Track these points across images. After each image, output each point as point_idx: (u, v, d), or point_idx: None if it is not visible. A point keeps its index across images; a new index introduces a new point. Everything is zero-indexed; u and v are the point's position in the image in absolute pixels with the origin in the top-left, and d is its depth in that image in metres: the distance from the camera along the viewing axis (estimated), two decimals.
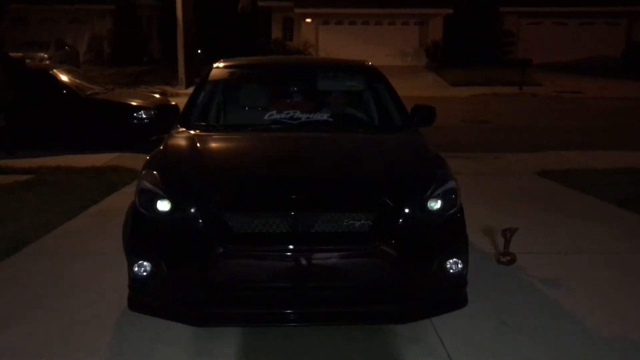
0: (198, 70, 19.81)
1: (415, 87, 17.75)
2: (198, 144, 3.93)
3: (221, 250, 3.15)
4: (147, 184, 3.45)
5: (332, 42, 26.92)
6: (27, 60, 18.83)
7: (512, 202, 6.42)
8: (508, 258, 4.49)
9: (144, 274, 3.32)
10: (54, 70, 10.17)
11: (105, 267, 4.48)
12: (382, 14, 27.50)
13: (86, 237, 5.25)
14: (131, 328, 3.55)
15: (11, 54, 10.12)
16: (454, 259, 3.36)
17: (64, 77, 10.00)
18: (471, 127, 12.36)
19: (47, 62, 20.30)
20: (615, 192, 6.65)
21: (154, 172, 3.55)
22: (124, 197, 6.33)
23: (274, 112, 4.52)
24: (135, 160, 8.31)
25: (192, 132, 4.22)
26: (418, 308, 3.30)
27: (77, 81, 10.29)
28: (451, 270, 3.36)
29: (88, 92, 10.02)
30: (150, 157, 3.94)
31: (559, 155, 9.01)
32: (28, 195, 6.59)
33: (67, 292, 4.11)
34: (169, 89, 17.59)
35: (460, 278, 3.41)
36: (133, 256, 3.36)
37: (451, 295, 3.44)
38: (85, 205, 6.18)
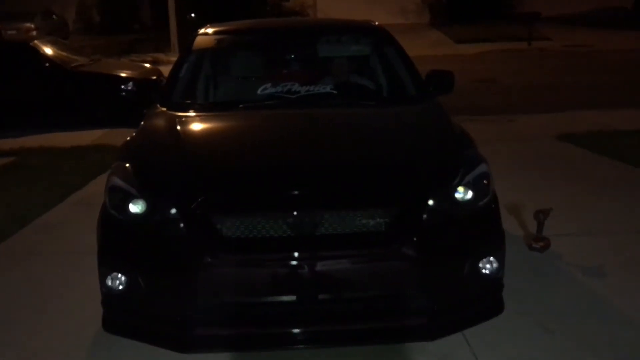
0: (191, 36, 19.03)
1: (418, 46, 16.86)
2: (179, 128, 3.33)
3: (209, 259, 2.59)
4: (117, 180, 2.88)
5: (330, 1, 25.88)
6: (13, 32, 18.08)
7: (534, 172, 5.83)
8: (542, 244, 3.93)
9: (119, 288, 2.77)
10: (35, 42, 9.52)
11: (85, 269, 3.94)
12: None
13: (66, 231, 4.73)
14: (112, 347, 3.03)
15: None
16: (489, 258, 2.80)
17: (46, 50, 9.35)
18: (480, 87, 11.66)
19: (34, 33, 19.47)
20: None
21: (126, 165, 2.98)
22: None
23: (269, 85, 3.87)
24: (126, 137, 7.69)
25: (173, 112, 3.61)
26: (448, 320, 2.74)
27: (61, 53, 9.63)
28: (485, 272, 2.80)
29: (73, 65, 9.37)
30: (123, 145, 3.37)
31: (577, 116, 8.37)
32: (6, 181, 6.08)
33: (43, 301, 3.59)
34: (161, 56, 16.84)
35: (495, 280, 2.86)
36: (104, 267, 2.81)
37: (485, 302, 2.89)
38: (66, 192, 5.65)
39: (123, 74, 9.20)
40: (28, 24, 20.33)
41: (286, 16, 22.52)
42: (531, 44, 17.92)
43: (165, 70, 10.05)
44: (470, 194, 2.81)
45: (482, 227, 2.86)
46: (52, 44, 9.77)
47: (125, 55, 16.56)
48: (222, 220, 2.65)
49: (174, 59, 16.31)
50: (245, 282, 2.67)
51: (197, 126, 3.53)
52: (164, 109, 3.71)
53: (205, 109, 3.89)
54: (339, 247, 2.64)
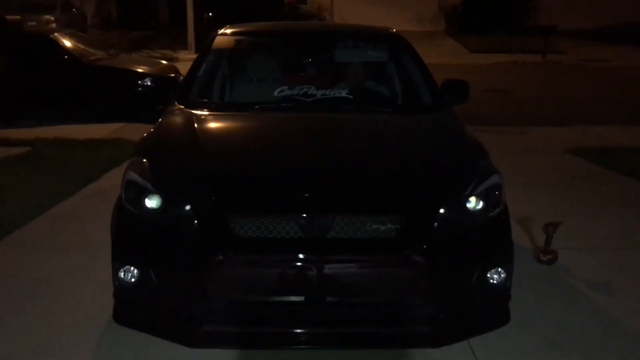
0: (207, 35, 19.14)
1: (433, 54, 16.91)
2: (196, 126, 3.39)
3: (220, 257, 2.63)
4: (134, 175, 2.94)
5: (347, 5, 25.95)
6: (33, 23, 18.22)
7: (544, 185, 5.83)
8: (549, 256, 3.95)
9: (131, 281, 2.82)
10: (55, 34, 9.62)
11: (97, 261, 4.00)
12: None
13: (79, 223, 4.77)
14: (121, 338, 3.08)
15: (8, 17, 9.53)
16: (497, 269, 2.83)
17: (65, 42, 9.44)
18: (493, 98, 11.65)
19: (54, 25, 19.62)
20: None
21: (143, 161, 3.03)
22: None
23: (285, 87, 3.93)
24: (141, 131, 7.75)
25: (190, 110, 3.67)
26: (455, 328, 2.78)
27: (79, 46, 9.72)
28: (493, 282, 2.83)
29: (91, 58, 9.47)
30: (141, 141, 3.42)
31: (590, 130, 8.36)
32: (21, 171, 6.13)
33: (54, 291, 3.64)
34: (169, 53, 16.94)
35: (503, 291, 2.89)
36: (118, 260, 2.86)
37: (492, 312, 2.92)
38: (81, 184, 5.71)
39: (140, 70, 9.27)
40: (48, 16, 20.46)
41: (303, 19, 22.61)
42: (546, 57, 17.89)
43: (178, 66, 10.12)
44: (481, 205, 2.83)
45: (492, 237, 2.89)
46: (71, 36, 9.85)
47: (137, 51, 16.68)
48: (235, 219, 2.69)
49: (182, 56, 16.47)
50: (255, 281, 2.71)
51: (213, 125, 3.58)
52: (182, 106, 3.76)
53: (222, 109, 3.94)
54: (348, 251, 2.67)
